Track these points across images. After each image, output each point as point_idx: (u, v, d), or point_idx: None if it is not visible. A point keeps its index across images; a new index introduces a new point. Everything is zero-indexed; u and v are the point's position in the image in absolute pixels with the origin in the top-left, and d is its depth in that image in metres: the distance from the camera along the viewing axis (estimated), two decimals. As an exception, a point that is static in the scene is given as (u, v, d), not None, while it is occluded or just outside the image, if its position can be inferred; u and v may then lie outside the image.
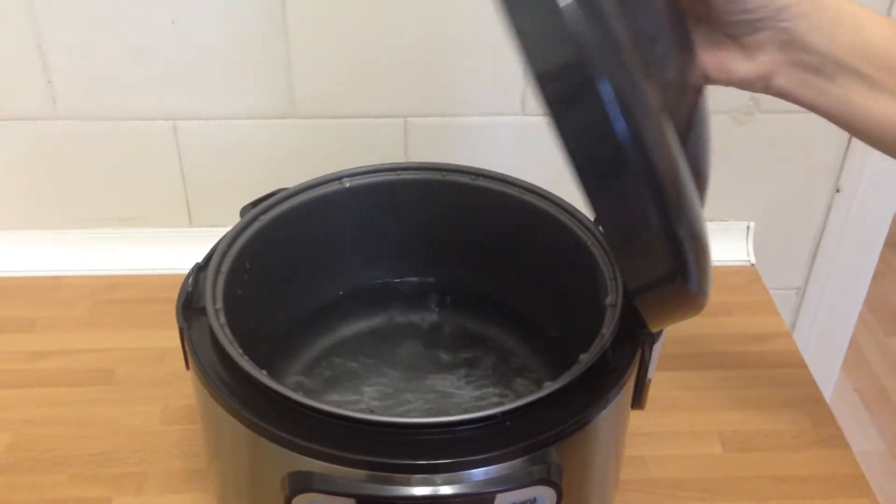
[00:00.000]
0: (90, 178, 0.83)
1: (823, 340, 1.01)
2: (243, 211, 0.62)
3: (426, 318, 0.69)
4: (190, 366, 0.52)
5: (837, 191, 0.89)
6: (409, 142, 0.83)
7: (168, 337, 0.75)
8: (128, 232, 0.86)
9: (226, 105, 0.80)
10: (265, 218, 0.61)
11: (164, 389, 0.72)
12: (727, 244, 0.89)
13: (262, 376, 0.48)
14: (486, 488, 0.44)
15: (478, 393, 0.62)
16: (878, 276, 0.99)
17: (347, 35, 0.77)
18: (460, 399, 0.61)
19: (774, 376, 0.76)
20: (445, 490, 0.44)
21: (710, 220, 0.89)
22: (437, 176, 0.66)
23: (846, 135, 0.86)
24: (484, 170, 0.65)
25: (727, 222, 0.90)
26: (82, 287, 0.83)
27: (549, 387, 0.47)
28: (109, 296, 0.83)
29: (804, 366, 0.78)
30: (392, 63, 0.79)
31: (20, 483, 0.65)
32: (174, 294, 0.82)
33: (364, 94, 0.80)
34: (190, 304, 0.55)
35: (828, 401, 0.75)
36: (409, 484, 0.44)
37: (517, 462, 0.45)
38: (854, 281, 0.98)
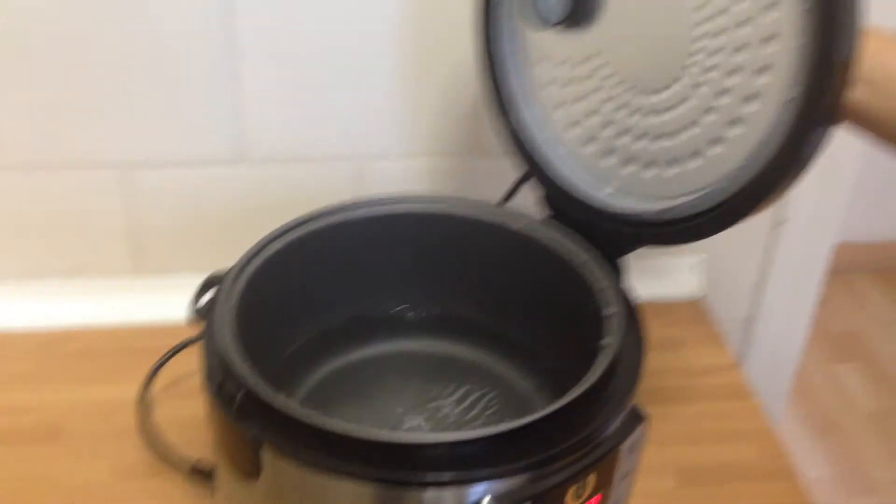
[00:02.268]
0: (34, 230, 0.82)
1: (771, 369, 1.04)
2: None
3: (423, 345, 0.70)
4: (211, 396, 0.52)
5: (780, 223, 0.92)
6: (362, 186, 0.83)
7: (117, 390, 0.75)
8: (74, 283, 0.85)
9: (174, 152, 0.80)
10: (287, 238, 0.63)
11: (114, 445, 0.71)
12: (677, 278, 0.91)
13: (276, 398, 0.48)
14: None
15: (474, 414, 0.64)
16: (819, 302, 1.01)
17: (301, 79, 0.78)
18: (460, 420, 0.63)
19: (725, 409, 0.77)
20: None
21: (659, 256, 0.91)
22: (436, 207, 0.67)
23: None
24: (478, 201, 0.67)
25: (676, 257, 0.92)
26: (27, 342, 0.81)
27: (556, 404, 0.48)
28: (55, 350, 0.81)
29: (753, 398, 0.79)
30: (344, 106, 0.80)
31: (-35, 548, 0.63)
32: (122, 346, 0.81)
33: (316, 137, 0.81)
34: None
35: (777, 428, 0.77)
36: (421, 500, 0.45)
37: (521, 477, 0.46)
38: (799, 310, 1.00)
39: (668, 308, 0.88)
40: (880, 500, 1.61)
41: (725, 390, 0.80)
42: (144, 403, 0.73)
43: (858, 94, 0.52)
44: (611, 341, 0.54)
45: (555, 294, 0.63)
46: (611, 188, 0.63)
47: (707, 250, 0.92)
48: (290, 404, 0.47)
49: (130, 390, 0.73)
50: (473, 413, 0.64)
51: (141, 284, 0.85)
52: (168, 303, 0.83)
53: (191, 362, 0.74)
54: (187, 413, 0.71)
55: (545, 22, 0.61)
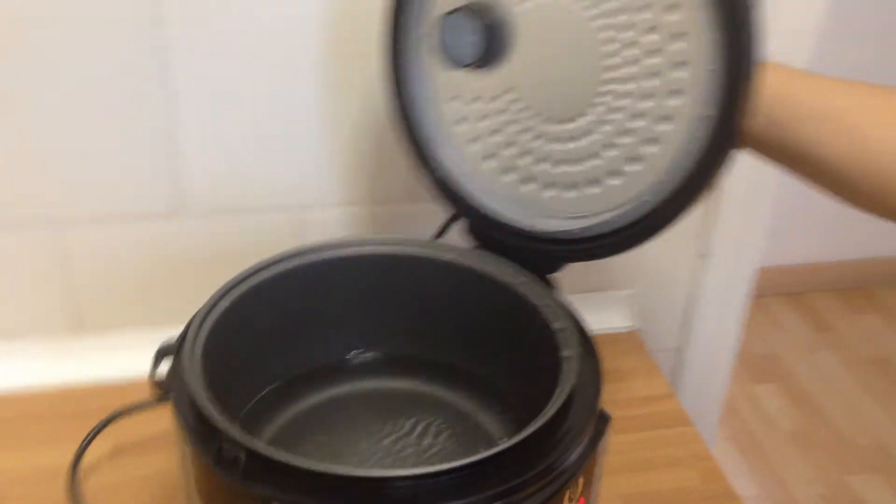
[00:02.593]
0: (-35, 292, 0.80)
1: (702, 396, 1.07)
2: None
3: (389, 385, 0.71)
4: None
5: (702, 256, 0.96)
6: (306, 236, 0.84)
7: (59, 454, 0.73)
8: (8, 346, 0.83)
9: (109, 207, 0.79)
10: (236, 292, 0.63)
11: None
12: (610, 312, 0.94)
13: (280, 454, 0.48)
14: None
15: (439, 448, 0.65)
16: (740, 326, 1.06)
17: (235, 130, 0.79)
18: (426, 455, 0.64)
19: (666, 436, 0.80)
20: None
21: (592, 291, 0.94)
22: (397, 249, 0.68)
23: (706, 201, 0.93)
24: (410, 237, 0.69)
25: (607, 292, 0.95)
26: (-40, 407, 0.79)
27: (519, 436, 0.49)
28: (-9, 414, 0.79)
29: (690, 424, 0.82)
30: (279, 156, 0.80)
31: None
32: (62, 409, 0.80)
33: (257, 187, 0.81)
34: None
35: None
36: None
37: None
38: (725, 337, 1.04)
39: (607, 340, 0.91)
40: (806, 517, 1.67)
41: (664, 418, 0.82)
42: (78, 470, 0.71)
43: (759, 124, 0.56)
44: (569, 353, 0.56)
45: (501, 319, 0.65)
46: (534, 212, 0.66)
47: (637, 284, 0.96)
48: (295, 457, 0.48)
49: (69, 455, 0.71)
50: (434, 446, 0.65)
51: (79, 344, 0.83)
52: (108, 362, 0.83)
53: (130, 425, 0.73)
54: (127, 477, 0.71)
55: (457, 64, 0.63)
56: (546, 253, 0.65)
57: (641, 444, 0.79)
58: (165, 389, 0.56)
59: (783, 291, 2.25)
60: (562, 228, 0.64)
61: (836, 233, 2.20)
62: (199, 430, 0.51)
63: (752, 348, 2.08)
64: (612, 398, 0.84)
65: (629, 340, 0.93)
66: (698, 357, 1.04)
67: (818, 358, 2.08)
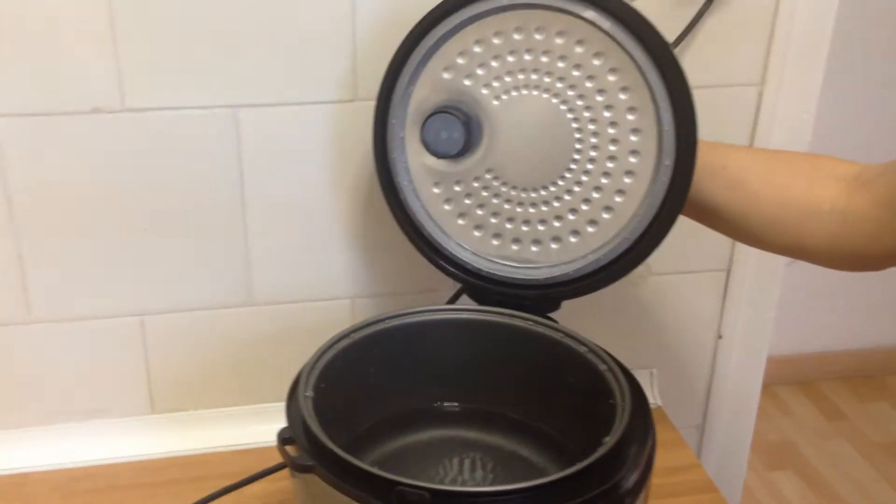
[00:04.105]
0: (57, 376, 0.89)
1: (723, 474, 1.14)
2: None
3: (467, 435, 0.80)
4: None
5: (720, 337, 1.05)
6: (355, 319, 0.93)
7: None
8: (91, 424, 0.91)
9: (189, 297, 0.88)
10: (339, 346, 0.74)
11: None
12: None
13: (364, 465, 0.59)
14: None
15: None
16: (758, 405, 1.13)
17: (299, 232, 0.89)
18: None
19: (698, 502, 0.87)
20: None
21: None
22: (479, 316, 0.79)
23: (722, 288, 1.02)
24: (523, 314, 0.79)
25: (633, 371, 1.03)
26: (49, 482, 0.86)
27: (589, 459, 0.60)
28: (77, 487, 0.86)
29: (717, 491, 0.89)
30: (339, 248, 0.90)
31: None
32: (139, 480, 0.87)
33: (314, 280, 0.91)
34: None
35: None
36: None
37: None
38: (742, 416, 1.12)
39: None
40: None
41: (694, 485, 0.89)
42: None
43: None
44: (619, 391, 0.69)
45: (551, 369, 0.77)
46: (528, 266, 0.78)
47: (660, 363, 1.04)
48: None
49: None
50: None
51: (155, 421, 0.91)
52: (185, 437, 0.91)
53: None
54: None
55: (441, 156, 0.75)
56: (544, 297, 0.78)
57: (672, 510, 0.86)
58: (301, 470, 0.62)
59: (793, 380, 2.31)
60: (553, 275, 0.77)
61: (844, 322, 2.28)
62: (370, 484, 0.59)
63: (765, 436, 2.12)
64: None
65: (654, 415, 1.00)
66: (719, 434, 1.11)
67: (831, 444, 2.13)
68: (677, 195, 0.71)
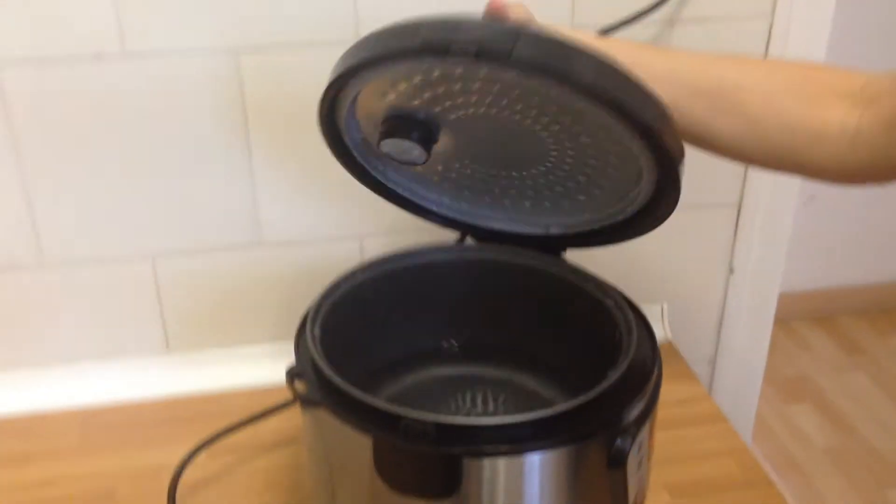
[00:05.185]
0: (72, 317, 0.90)
1: (735, 407, 1.14)
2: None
3: (475, 371, 0.81)
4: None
5: (731, 272, 1.04)
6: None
7: (160, 455, 0.82)
8: (108, 364, 0.92)
9: (199, 239, 0.89)
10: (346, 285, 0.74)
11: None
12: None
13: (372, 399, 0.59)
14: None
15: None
16: (770, 349, 1.13)
17: (306, 172, 0.89)
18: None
19: (703, 433, 0.88)
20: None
21: (629, 305, 1.02)
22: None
23: (733, 222, 1.01)
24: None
25: (644, 305, 1.03)
26: (69, 419, 0.88)
27: (588, 393, 0.60)
28: (97, 424, 0.88)
29: (726, 421, 0.90)
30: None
31: None
32: (157, 417, 0.89)
33: (322, 220, 0.91)
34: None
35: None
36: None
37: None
38: (755, 350, 1.12)
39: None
40: (843, 531, 1.72)
41: (702, 417, 0.90)
42: (185, 468, 0.79)
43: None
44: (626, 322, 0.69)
45: (559, 304, 0.77)
46: (552, 226, 0.77)
47: (671, 298, 1.04)
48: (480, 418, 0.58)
49: (174, 455, 0.80)
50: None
51: (170, 360, 0.93)
52: (199, 375, 0.92)
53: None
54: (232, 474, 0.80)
55: (410, 164, 0.70)
56: (545, 247, 0.78)
57: (681, 440, 0.87)
58: (311, 403, 0.64)
59: (811, 315, 2.31)
60: (549, 232, 0.77)
61: (862, 256, 2.26)
62: (376, 417, 0.59)
63: (782, 371, 2.13)
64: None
65: (665, 350, 1.01)
66: (730, 369, 1.11)
67: (849, 378, 2.13)
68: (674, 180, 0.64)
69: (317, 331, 0.68)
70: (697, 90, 0.63)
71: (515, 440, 0.58)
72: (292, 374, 0.66)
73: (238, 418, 0.81)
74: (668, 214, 0.68)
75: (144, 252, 0.89)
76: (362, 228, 0.93)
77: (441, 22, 0.57)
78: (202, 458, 0.81)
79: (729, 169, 0.98)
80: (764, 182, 0.99)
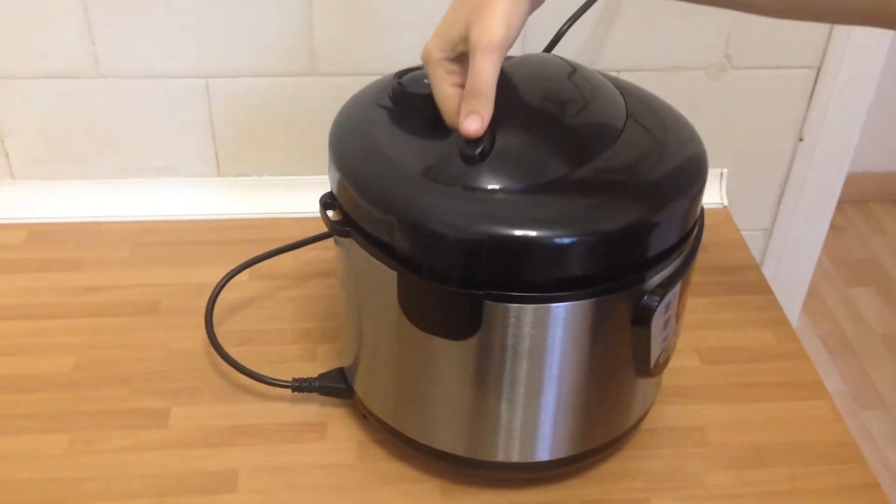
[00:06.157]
0: (128, 133, 0.92)
1: (787, 279, 1.12)
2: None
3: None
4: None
5: (801, 140, 1.00)
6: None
7: (204, 273, 0.84)
8: (161, 182, 0.94)
9: (253, 64, 0.88)
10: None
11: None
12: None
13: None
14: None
15: None
16: (839, 230, 1.09)
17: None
18: None
19: (745, 301, 0.86)
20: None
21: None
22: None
23: (809, 88, 0.96)
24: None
25: (703, 169, 1.00)
26: (122, 231, 0.91)
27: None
28: (147, 239, 0.91)
29: (770, 293, 0.88)
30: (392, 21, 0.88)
31: (87, 396, 0.73)
32: (204, 237, 0.91)
33: (375, 52, 0.89)
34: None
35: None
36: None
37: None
38: (815, 224, 1.08)
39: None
40: (889, 414, 1.71)
41: (747, 286, 0.88)
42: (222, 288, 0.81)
43: None
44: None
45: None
46: None
47: (733, 165, 1.00)
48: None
49: (218, 275, 0.82)
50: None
51: (220, 183, 0.95)
52: (248, 200, 0.94)
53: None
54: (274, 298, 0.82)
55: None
56: None
57: (720, 307, 0.85)
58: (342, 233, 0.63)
59: (890, 197, 2.21)
60: None
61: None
62: (417, 244, 0.57)
63: (851, 252, 2.07)
64: (697, 266, 0.91)
65: (720, 215, 0.98)
66: (787, 241, 1.08)
67: (920, 265, 2.06)
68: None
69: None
70: None
71: (540, 289, 0.58)
72: (325, 203, 0.66)
73: (282, 245, 0.82)
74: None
75: (198, 72, 0.88)
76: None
77: None
78: (244, 280, 0.84)
79: (811, 28, 0.91)
80: (850, 45, 0.92)
